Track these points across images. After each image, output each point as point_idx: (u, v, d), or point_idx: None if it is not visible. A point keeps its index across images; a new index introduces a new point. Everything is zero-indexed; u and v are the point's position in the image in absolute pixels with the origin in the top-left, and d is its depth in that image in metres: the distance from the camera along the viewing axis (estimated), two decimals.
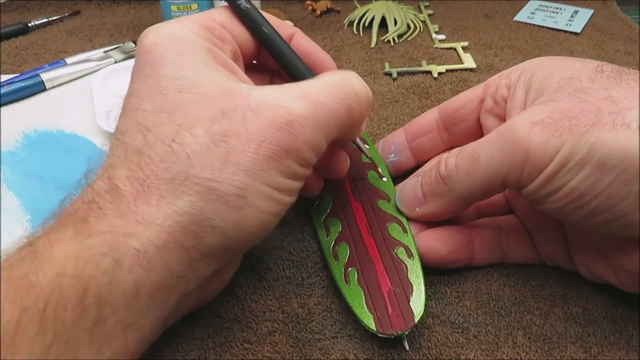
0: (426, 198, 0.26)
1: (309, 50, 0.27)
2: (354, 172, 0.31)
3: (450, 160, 0.25)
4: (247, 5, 0.25)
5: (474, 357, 0.24)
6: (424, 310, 0.24)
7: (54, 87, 0.43)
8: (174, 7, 0.47)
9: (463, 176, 0.24)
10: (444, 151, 0.32)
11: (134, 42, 0.48)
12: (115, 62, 0.46)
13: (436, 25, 0.53)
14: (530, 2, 0.59)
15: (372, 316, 0.24)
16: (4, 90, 0.40)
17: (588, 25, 0.54)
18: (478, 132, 0.30)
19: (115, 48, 0.48)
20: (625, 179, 0.20)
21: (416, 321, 0.23)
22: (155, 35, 0.22)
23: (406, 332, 0.23)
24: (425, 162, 0.32)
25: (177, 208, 0.19)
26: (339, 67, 0.46)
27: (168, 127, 0.20)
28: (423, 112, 0.33)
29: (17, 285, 0.17)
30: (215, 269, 0.22)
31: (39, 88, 0.42)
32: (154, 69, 0.21)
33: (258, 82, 0.26)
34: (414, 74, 0.45)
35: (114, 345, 0.18)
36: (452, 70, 0.46)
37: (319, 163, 0.25)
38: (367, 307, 0.24)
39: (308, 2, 0.58)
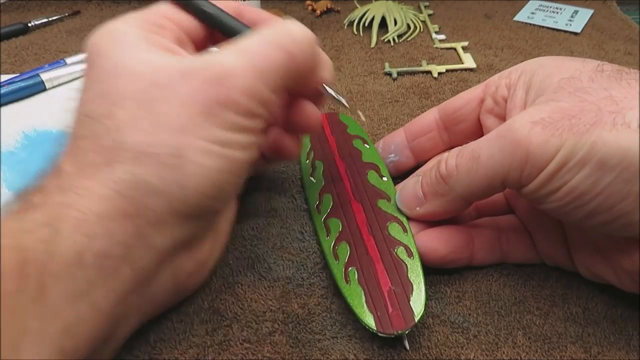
0: (426, 198, 0.26)
1: (259, 17, 0.27)
2: (354, 172, 0.31)
3: (451, 160, 0.25)
4: None
5: (474, 357, 0.24)
6: (424, 310, 0.24)
7: (54, 87, 0.43)
8: None
9: (463, 176, 0.24)
10: (444, 151, 0.32)
11: None
12: None
13: (436, 25, 0.54)
14: (530, 2, 0.59)
15: (372, 315, 0.24)
16: (4, 90, 0.40)
17: (588, 25, 0.54)
18: (478, 132, 0.30)
19: None
20: (626, 178, 0.20)
21: (416, 320, 0.23)
22: (96, 35, 0.23)
23: (406, 332, 0.23)
24: (425, 162, 0.32)
25: (113, 176, 0.20)
26: (339, 67, 0.47)
27: (102, 107, 0.21)
28: (423, 112, 0.33)
29: None
30: (175, 243, 0.22)
31: (39, 88, 0.42)
32: (95, 64, 0.22)
33: None
34: (414, 74, 0.45)
35: (65, 315, 0.18)
36: (452, 70, 0.46)
37: (284, 118, 0.25)
38: (368, 306, 0.24)
39: (308, 2, 0.58)
